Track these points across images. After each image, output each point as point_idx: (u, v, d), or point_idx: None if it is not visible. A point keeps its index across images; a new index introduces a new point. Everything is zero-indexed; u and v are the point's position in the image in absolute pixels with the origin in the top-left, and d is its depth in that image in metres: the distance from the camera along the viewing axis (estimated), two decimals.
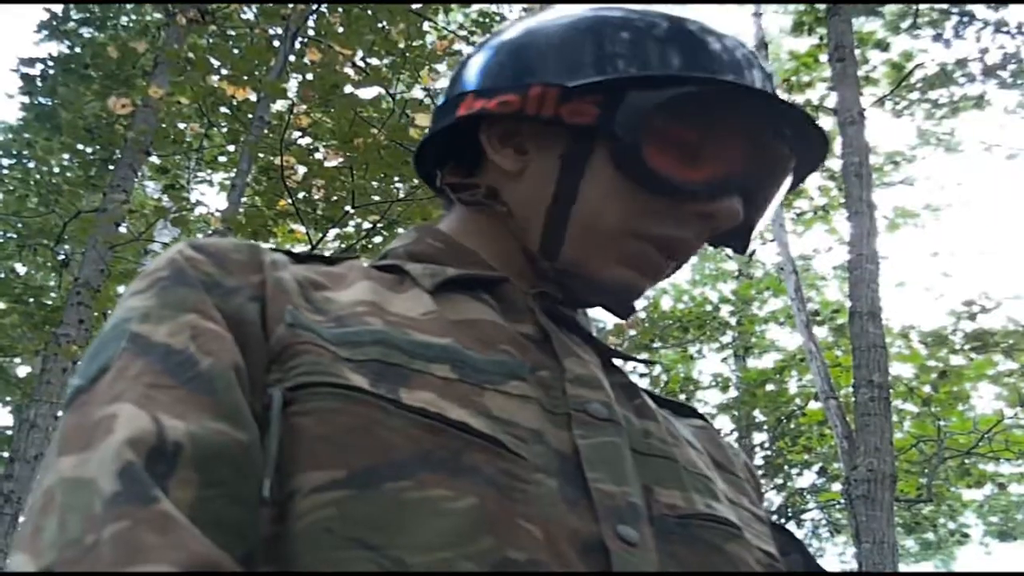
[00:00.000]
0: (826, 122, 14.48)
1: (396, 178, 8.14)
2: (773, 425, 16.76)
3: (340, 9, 8.99)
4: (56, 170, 13.02)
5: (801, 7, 14.24)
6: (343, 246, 8.96)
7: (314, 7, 8.96)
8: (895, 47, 14.70)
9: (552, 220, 1.14)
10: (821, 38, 13.44)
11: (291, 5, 8.58)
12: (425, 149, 1.30)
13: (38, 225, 12.45)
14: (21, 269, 13.40)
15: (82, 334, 8.92)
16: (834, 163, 14.49)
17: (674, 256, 1.15)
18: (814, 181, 16.01)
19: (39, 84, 12.14)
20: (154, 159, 11.28)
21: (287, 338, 0.93)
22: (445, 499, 0.83)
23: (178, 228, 10.05)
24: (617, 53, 1.13)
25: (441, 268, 1.12)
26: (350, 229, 9.26)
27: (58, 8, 12.60)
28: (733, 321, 18.10)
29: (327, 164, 8.21)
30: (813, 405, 15.49)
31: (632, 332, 14.36)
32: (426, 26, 9.07)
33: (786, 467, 16.81)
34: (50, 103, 12.40)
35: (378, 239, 8.76)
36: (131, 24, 13.28)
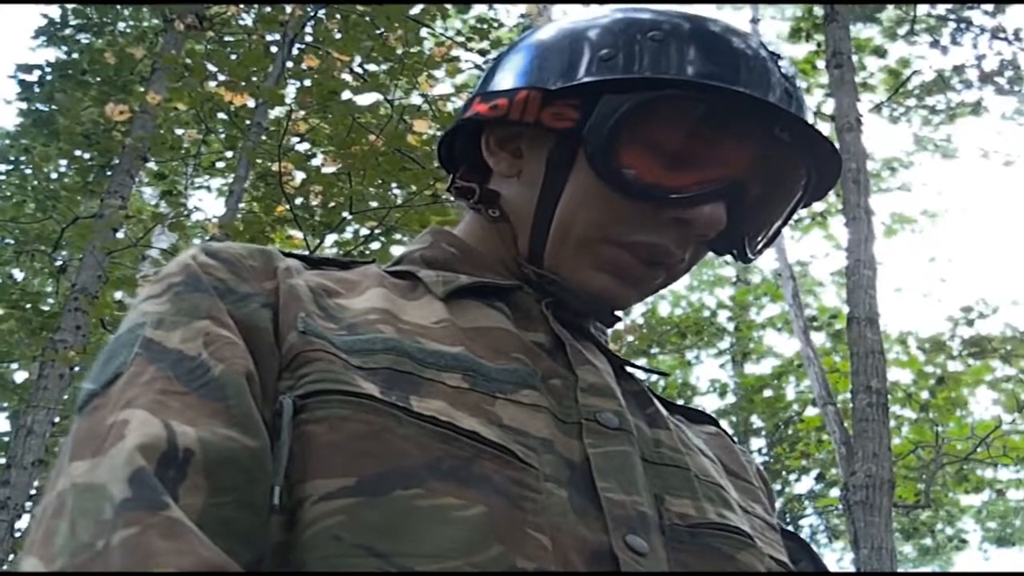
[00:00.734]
0: (823, 128, 14.47)
1: (394, 184, 8.14)
2: (771, 431, 16.78)
3: (338, 15, 9.00)
4: (54, 176, 13.01)
5: (799, 13, 14.25)
6: (341, 252, 8.95)
7: (312, 13, 8.96)
8: (892, 53, 14.73)
9: (537, 226, 1.14)
10: (818, 44, 13.46)
11: (288, 11, 8.57)
12: (450, 152, 1.29)
13: (36, 231, 12.43)
14: (18, 275, 13.38)
15: (79, 340, 8.91)
16: None
17: (654, 264, 1.12)
18: None
19: (36, 90, 12.12)
20: (152, 165, 11.28)
21: (299, 345, 0.93)
22: (454, 507, 0.83)
23: (175, 234, 10.05)
24: (604, 57, 1.11)
25: (454, 275, 1.12)
26: (348, 235, 9.26)
27: (56, 14, 12.61)
28: (731, 327, 18.13)
29: (325, 170, 8.21)
30: (811, 411, 15.52)
31: (630, 338, 14.35)
32: (424, 32, 9.08)
33: (784, 473, 16.82)
34: (47, 109, 12.39)
35: (376, 245, 8.76)
36: (129, 30, 13.27)
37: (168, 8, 10.24)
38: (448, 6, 9.83)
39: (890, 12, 14.19)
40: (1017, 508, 19.29)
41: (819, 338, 15.65)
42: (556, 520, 0.87)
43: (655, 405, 1.13)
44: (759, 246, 1.20)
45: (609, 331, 1.21)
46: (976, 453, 13.62)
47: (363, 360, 0.93)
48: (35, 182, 12.76)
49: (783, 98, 1.09)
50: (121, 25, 13.28)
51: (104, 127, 11.37)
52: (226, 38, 10.51)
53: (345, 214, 8.19)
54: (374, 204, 8.33)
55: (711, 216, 1.08)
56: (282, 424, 0.86)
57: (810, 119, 1.12)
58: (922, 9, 13.70)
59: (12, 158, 12.83)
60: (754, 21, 15.34)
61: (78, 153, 12.19)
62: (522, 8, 11.96)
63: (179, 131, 11.44)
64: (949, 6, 13.49)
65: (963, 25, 13.50)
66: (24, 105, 12.50)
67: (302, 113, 8.78)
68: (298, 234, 8.38)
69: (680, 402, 1.26)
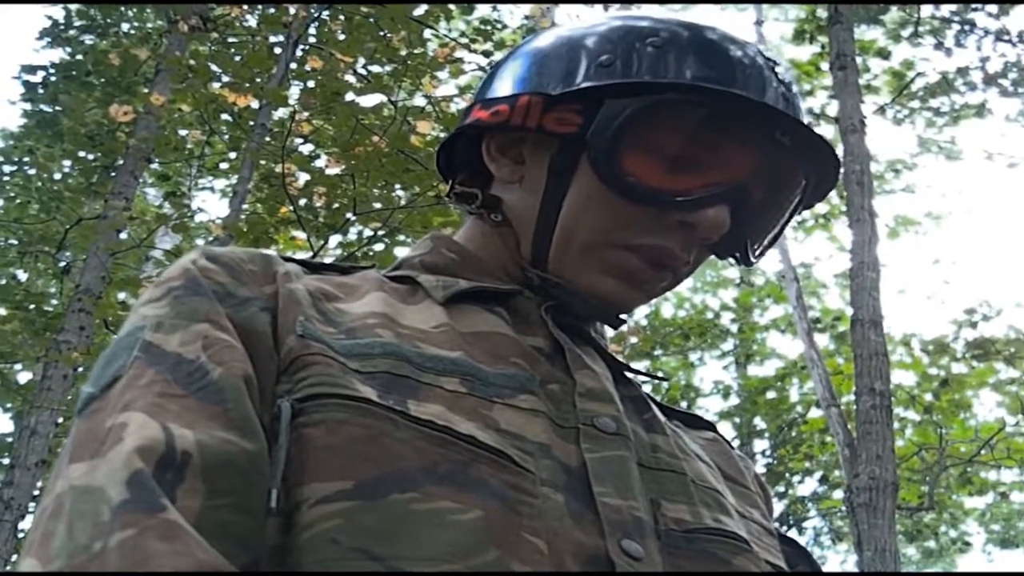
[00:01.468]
0: (827, 130, 14.49)
1: (397, 185, 8.15)
2: (774, 433, 16.78)
3: (342, 16, 9.01)
4: (57, 177, 13.01)
5: (803, 15, 14.25)
6: (344, 254, 8.96)
7: (316, 15, 8.96)
8: (896, 55, 14.73)
9: (540, 231, 1.15)
10: (822, 46, 13.46)
11: (292, 12, 8.58)
12: (450, 158, 1.30)
13: (39, 232, 12.43)
14: (22, 276, 13.38)
15: (83, 341, 8.91)
16: None
17: (661, 267, 1.12)
18: None
19: (41, 91, 12.12)
20: (156, 166, 11.28)
21: (297, 349, 0.94)
22: (451, 511, 0.84)
23: (179, 235, 10.05)
24: (604, 63, 1.12)
25: (454, 280, 1.13)
26: (351, 236, 9.26)
27: (60, 15, 12.61)
28: (734, 328, 18.13)
29: (329, 171, 8.22)
30: (814, 413, 15.51)
31: (633, 340, 14.36)
32: (427, 33, 9.08)
33: (787, 475, 16.81)
34: (52, 110, 12.39)
35: (379, 246, 8.76)
36: (133, 31, 13.28)
37: (172, 9, 10.24)
38: (452, 7, 9.82)
39: (894, 14, 14.19)
40: (1021, 510, 19.30)
41: (823, 340, 15.65)
42: (552, 524, 0.87)
43: (653, 410, 1.12)
44: (760, 250, 1.20)
45: (611, 333, 1.21)
46: (980, 455, 13.63)
47: (361, 364, 0.94)
48: (39, 183, 12.76)
49: (781, 102, 1.10)
50: (125, 26, 13.28)
51: (108, 128, 11.38)
52: (230, 39, 10.53)
53: (349, 215, 8.20)
54: (378, 205, 8.33)
55: (715, 219, 1.09)
56: (280, 427, 0.87)
57: (806, 122, 1.12)
58: (926, 11, 13.69)
59: (16, 159, 12.83)
60: (758, 23, 15.34)
61: (82, 154, 12.20)
62: (526, 9, 11.94)
63: (183, 132, 11.44)
64: (953, 8, 13.49)
65: (967, 27, 13.50)
66: (28, 106, 12.50)
67: (306, 114, 8.79)
68: (302, 235, 8.38)
69: (683, 405, 1.26)
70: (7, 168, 12.70)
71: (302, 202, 8.21)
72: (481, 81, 1.29)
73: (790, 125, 1.10)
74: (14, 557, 8.40)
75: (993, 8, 13.06)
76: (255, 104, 8.58)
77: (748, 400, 17.00)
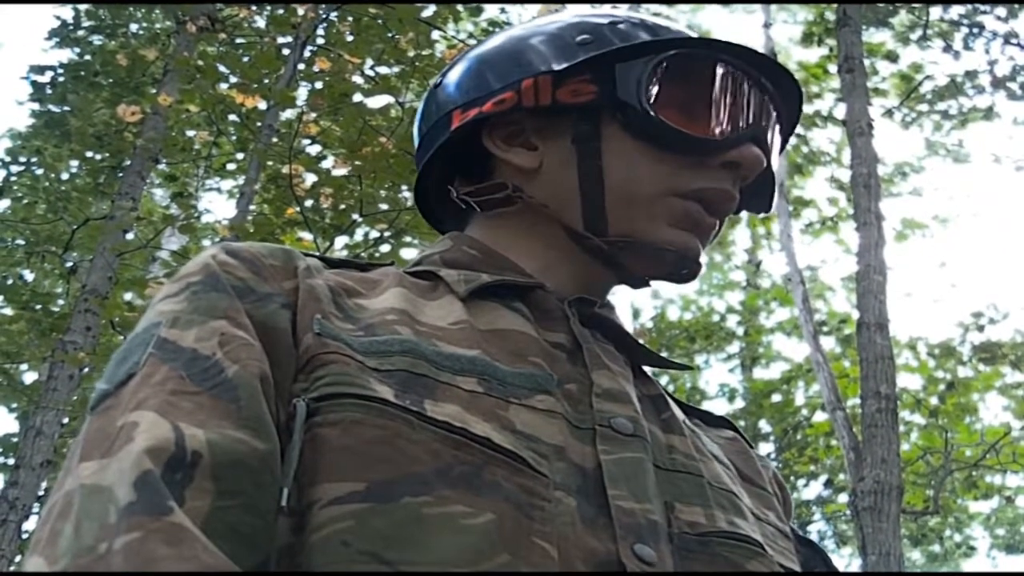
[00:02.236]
0: (835, 133, 14.48)
1: (404, 187, 8.15)
2: (779, 436, 16.75)
3: (350, 18, 9.01)
4: (65, 177, 13.03)
5: (810, 18, 14.24)
6: (350, 255, 8.95)
7: (324, 16, 8.97)
8: (904, 58, 14.72)
9: (588, 199, 1.15)
10: (830, 49, 13.47)
11: (301, 13, 8.59)
12: (423, 180, 1.31)
13: (46, 232, 12.44)
14: (29, 276, 13.39)
15: (89, 341, 8.92)
16: (843, 174, 14.49)
17: (716, 211, 1.16)
18: (823, 192, 16.00)
19: (49, 91, 12.12)
20: (163, 167, 11.29)
21: (314, 347, 0.93)
22: (463, 515, 0.83)
23: (186, 236, 10.06)
24: (582, 41, 1.17)
25: (476, 274, 1.12)
26: (358, 238, 9.27)
27: (69, 16, 12.63)
28: (740, 331, 18.11)
29: (335, 173, 8.22)
30: (820, 416, 15.49)
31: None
32: (435, 35, 9.08)
33: (792, 478, 16.78)
34: (60, 110, 12.40)
35: (385, 248, 8.76)
36: (141, 32, 13.29)
37: (181, 10, 10.25)
38: (460, 9, 9.82)
39: (902, 17, 14.18)
40: None
41: (829, 343, 15.65)
42: (564, 529, 0.87)
43: (671, 410, 1.12)
44: (775, 189, 1.25)
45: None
46: (985, 459, 13.62)
47: (379, 362, 0.94)
48: (46, 183, 12.77)
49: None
50: (134, 27, 13.30)
51: (116, 128, 11.38)
52: (238, 40, 10.54)
53: (355, 216, 8.20)
54: (384, 207, 8.34)
55: (754, 155, 1.15)
56: (295, 426, 0.87)
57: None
58: (935, 14, 13.69)
59: (24, 159, 12.84)
60: (766, 25, 15.33)
61: (89, 154, 12.21)
62: (534, 11, 11.94)
63: (190, 133, 11.46)
64: (962, 11, 13.48)
65: (976, 30, 13.49)
66: (36, 106, 12.51)
67: (313, 115, 8.79)
68: (308, 236, 8.38)
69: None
70: (15, 168, 12.71)
71: (309, 203, 8.22)
72: (423, 104, 1.30)
73: (770, 68, 1.19)
74: (18, 558, 8.41)
75: (1002, 11, 13.05)
76: (263, 105, 8.58)
77: (753, 403, 16.97)
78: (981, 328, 14.27)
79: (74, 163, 12.92)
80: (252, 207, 8.74)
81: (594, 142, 1.14)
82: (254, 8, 10.18)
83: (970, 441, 14.17)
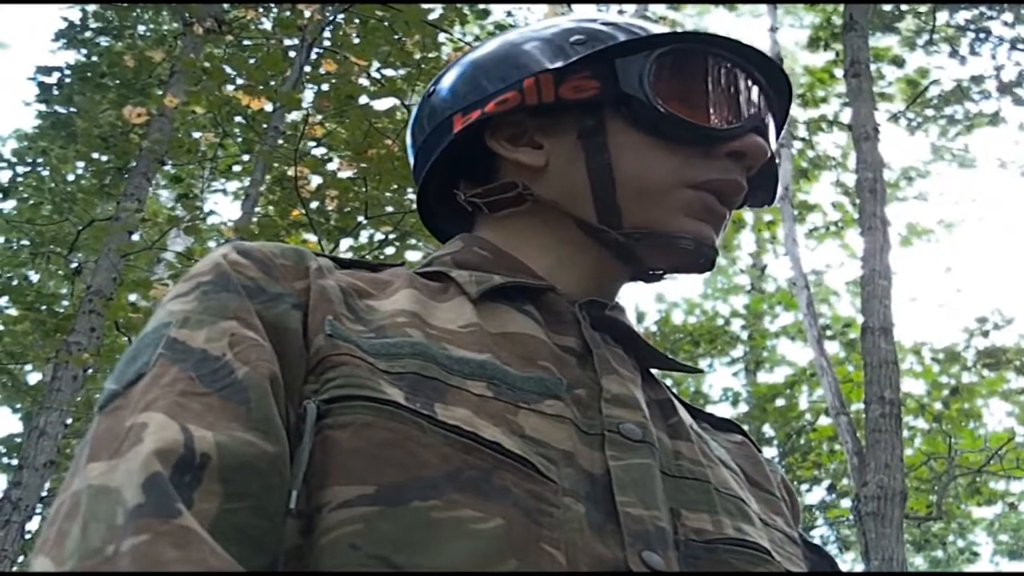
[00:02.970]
0: (840, 138, 14.47)
1: (409, 189, 8.15)
2: (783, 440, 16.74)
3: (357, 20, 9.02)
4: (70, 178, 13.04)
5: (817, 22, 14.24)
6: (355, 257, 8.95)
7: (331, 18, 8.98)
8: (910, 63, 14.73)
9: (599, 193, 1.16)
10: (837, 54, 13.47)
11: (307, 15, 8.59)
12: (425, 187, 1.31)
13: (52, 233, 12.45)
14: (34, 277, 13.41)
15: (93, 342, 8.92)
16: (848, 178, 14.49)
17: (727, 201, 1.16)
18: (828, 196, 16.00)
19: (55, 92, 12.15)
20: (168, 168, 11.30)
21: (325, 349, 0.93)
22: (472, 520, 0.83)
23: (191, 237, 10.07)
24: (577, 41, 1.18)
25: (487, 275, 1.12)
26: (362, 240, 9.27)
27: (76, 17, 12.64)
28: (744, 335, 18.10)
29: (341, 175, 8.22)
30: (823, 421, 15.47)
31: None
32: (442, 37, 9.09)
33: (795, 483, 16.77)
34: (66, 111, 12.42)
35: (390, 250, 8.77)
36: (148, 33, 13.31)
37: (188, 12, 10.26)
38: (466, 12, 9.83)
39: (909, 22, 14.18)
40: None
41: (833, 347, 15.65)
42: (572, 536, 0.87)
43: (678, 415, 1.12)
44: (777, 185, 1.27)
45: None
46: (989, 465, 13.60)
47: (390, 364, 0.93)
48: (52, 184, 12.78)
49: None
50: (140, 28, 13.32)
51: (122, 130, 11.39)
52: (245, 42, 10.55)
53: (360, 218, 8.20)
54: (389, 209, 8.34)
55: (758, 144, 1.16)
56: (305, 428, 0.86)
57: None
58: (941, 19, 13.68)
59: (30, 160, 12.85)
60: (773, 29, 15.32)
61: (95, 156, 12.23)
62: (540, 14, 11.95)
63: (196, 134, 11.46)
64: (968, 16, 13.48)
65: (982, 35, 13.49)
66: (43, 107, 12.53)
67: (319, 117, 8.79)
68: (313, 238, 8.38)
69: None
70: (21, 169, 12.72)
71: (314, 205, 8.22)
72: (423, 108, 1.31)
73: (761, 61, 1.21)
74: (21, 558, 8.41)
75: (1009, 16, 13.05)
76: (269, 107, 8.59)
77: (757, 407, 16.96)
78: (985, 333, 14.26)
79: (80, 164, 12.94)
80: (257, 209, 8.75)
81: (600, 137, 1.15)
82: (261, 10, 10.19)
83: (974, 446, 14.16)
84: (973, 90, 14.25)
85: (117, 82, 11.95)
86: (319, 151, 9.26)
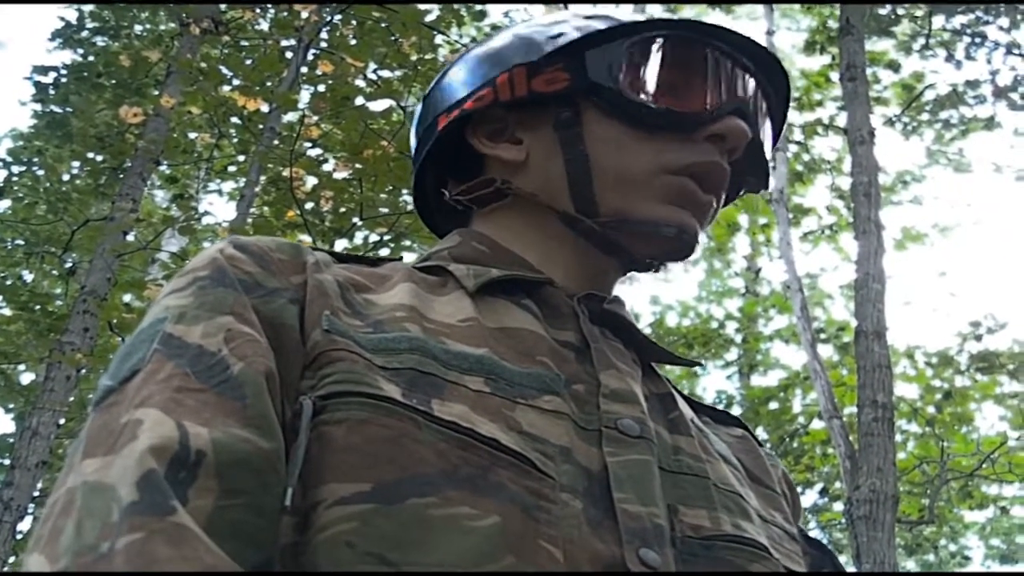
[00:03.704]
0: (836, 141, 14.47)
1: (404, 191, 8.15)
2: (776, 443, 16.72)
3: (354, 21, 9.02)
4: (66, 178, 13.03)
5: (813, 25, 14.26)
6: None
7: (328, 19, 8.98)
8: (906, 67, 14.72)
9: (575, 184, 1.16)
10: (833, 57, 13.48)
11: (304, 16, 8.59)
12: (421, 188, 1.33)
13: (46, 233, 12.45)
14: (28, 276, 13.40)
15: (87, 342, 8.91)
16: (843, 182, 14.49)
17: (710, 187, 1.16)
18: (823, 200, 15.98)
19: (52, 92, 12.14)
20: (164, 168, 11.30)
21: (322, 344, 0.93)
22: (469, 517, 0.83)
23: (185, 237, 10.06)
24: (568, 28, 1.19)
25: (485, 269, 1.13)
26: (357, 241, 9.27)
27: (73, 17, 12.64)
28: (738, 338, 18.10)
29: (336, 176, 8.22)
30: (816, 424, 15.47)
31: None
32: (439, 39, 9.09)
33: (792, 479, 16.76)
34: (62, 111, 12.41)
35: (385, 251, 8.76)
36: (145, 33, 13.31)
37: (184, 12, 10.26)
38: (463, 13, 9.83)
39: (905, 26, 14.19)
40: (1021, 525, 19.26)
41: (827, 351, 15.63)
42: (569, 532, 0.87)
43: (679, 409, 1.12)
44: (768, 165, 1.25)
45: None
46: (981, 469, 13.61)
47: (387, 360, 0.93)
48: (47, 184, 12.78)
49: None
50: (137, 28, 13.32)
51: (117, 130, 11.38)
52: (241, 43, 10.55)
53: (355, 220, 8.20)
54: (384, 210, 8.34)
55: (738, 126, 1.15)
56: (301, 425, 0.86)
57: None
58: (937, 23, 13.70)
59: (25, 159, 12.84)
60: (769, 33, 15.33)
61: (91, 155, 12.22)
62: (540, 12, 11.96)
63: (192, 135, 11.46)
64: (964, 20, 13.49)
65: (978, 40, 13.50)
66: (39, 107, 12.52)
67: (315, 118, 8.80)
68: (308, 239, 8.38)
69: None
70: (16, 168, 12.71)
71: (309, 206, 8.22)
72: (423, 106, 1.32)
73: (748, 46, 1.20)
74: (12, 559, 8.39)
75: (1004, 21, 13.06)
76: (265, 108, 8.60)
77: (751, 410, 16.94)
78: (979, 338, 14.27)
79: (75, 164, 12.94)
80: (252, 209, 8.74)
81: (575, 128, 1.16)
82: (258, 11, 10.19)
83: (966, 451, 14.17)
84: (968, 94, 14.25)
85: (113, 82, 11.95)
86: (314, 152, 9.26)
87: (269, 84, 8.48)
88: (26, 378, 13.51)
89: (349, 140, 8.00)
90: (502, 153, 1.20)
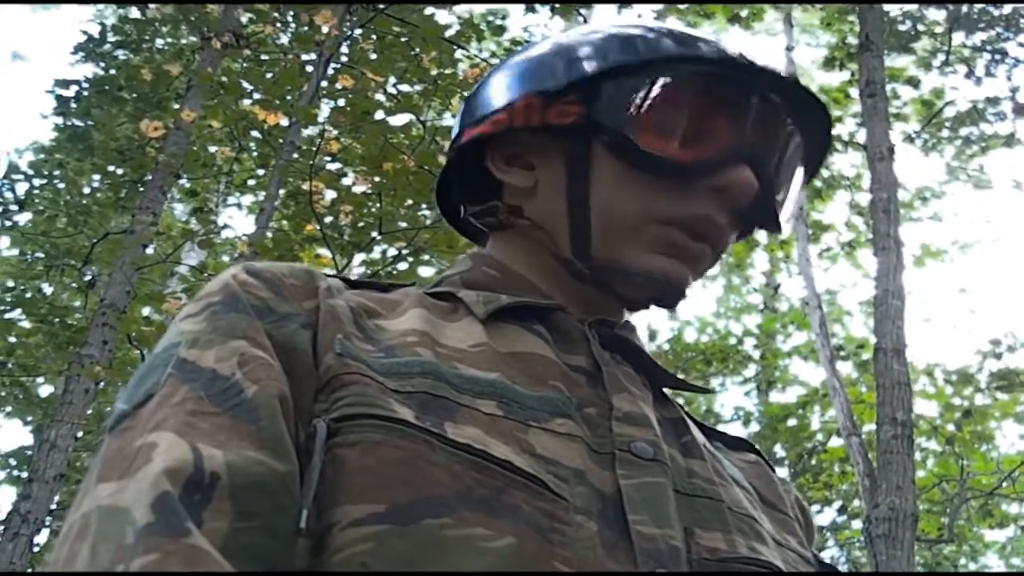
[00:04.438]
0: (855, 157, 14.45)
1: (424, 205, 8.17)
2: (794, 461, 16.67)
3: (374, 36, 9.04)
4: (86, 191, 13.07)
5: (833, 41, 14.25)
6: (368, 272, 8.97)
7: (348, 33, 9.00)
8: (926, 84, 14.71)
9: (575, 222, 1.15)
10: (852, 73, 13.46)
11: (325, 31, 8.62)
12: (447, 192, 1.32)
13: (66, 245, 12.48)
14: (48, 289, 13.44)
15: (106, 355, 8.91)
16: (863, 198, 14.47)
17: (704, 238, 1.13)
18: (842, 216, 15.96)
19: (73, 105, 12.19)
20: (184, 182, 11.33)
21: (335, 368, 0.93)
22: (483, 538, 0.83)
23: (205, 251, 10.08)
24: (591, 55, 1.16)
25: (495, 296, 1.12)
26: (376, 255, 9.29)
27: (95, 30, 12.69)
28: (757, 355, 18.06)
29: (356, 190, 8.23)
30: (835, 441, 15.42)
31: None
32: (458, 54, 9.11)
33: (806, 504, 16.70)
34: (83, 124, 12.45)
35: (403, 265, 8.77)
36: (166, 47, 13.36)
37: (206, 26, 10.30)
38: (483, 28, 9.85)
39: (925, 42, 14.18)
40: None
41: (846, 368, 15.61)
42: (584, 554, 0.87)
43: (691, 433, 1.12)
44: (785, 213, 1.21)
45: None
46: (1001, 488, 13.54)
47: (400, 383, 0.93)
48: (68, 197, 12.82)
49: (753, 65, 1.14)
50: (159, 42, 13.36)
51: (138, 143, 11.42)
52: (262, 57, 10.58)
53: (374, 234, 8.21)
54: (403, 224, 8.35)
55: (742, 178, 1.11)
56: (315, 447, 0.86)
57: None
58: (957, 39, 13.68)
59: (46, 173, 12.88)
60: (789, 48, 15.34)
61: (111, 169, 12.26)
62: (561, 25, 11.98)
63: (212, 148, 11.49)
64: (985, 36, 13.47)
65: (998, 56, 13.47)
66: (60, 120, 12.57)
67: (335, 133, 8.81)
68: (326, 253, 8.39)
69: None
70: (37, 181, 12.75)
71: (328, 220, 8.22)
72: (459, 114, 1.31)
73: (777, 82, 1.14)
74: (30, 571, 8.40)
75: None
76: (285, 122, 8.61)
77: (769, 427, 16.89)
78: (999, 356, 14.21)
79: (96, 177, 12.96)
80: (272, 223, 8.76)
81: (584, 164, 1.14)
82: (279, 25, 10.22)
83: (986, 469, 14.11)
84: (988, 111, 14.24)
85: (134, 96, 11.98)
86: (334, 166, 9.28)
87: (289, 98, 8.50)
88: (45, 391, 13.54)
89: (369, 154, 8.01)
90: (512, 179, 1.20)
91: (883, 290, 8.71)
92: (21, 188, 12.56)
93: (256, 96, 8.73)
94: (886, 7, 12.03)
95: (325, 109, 9.07)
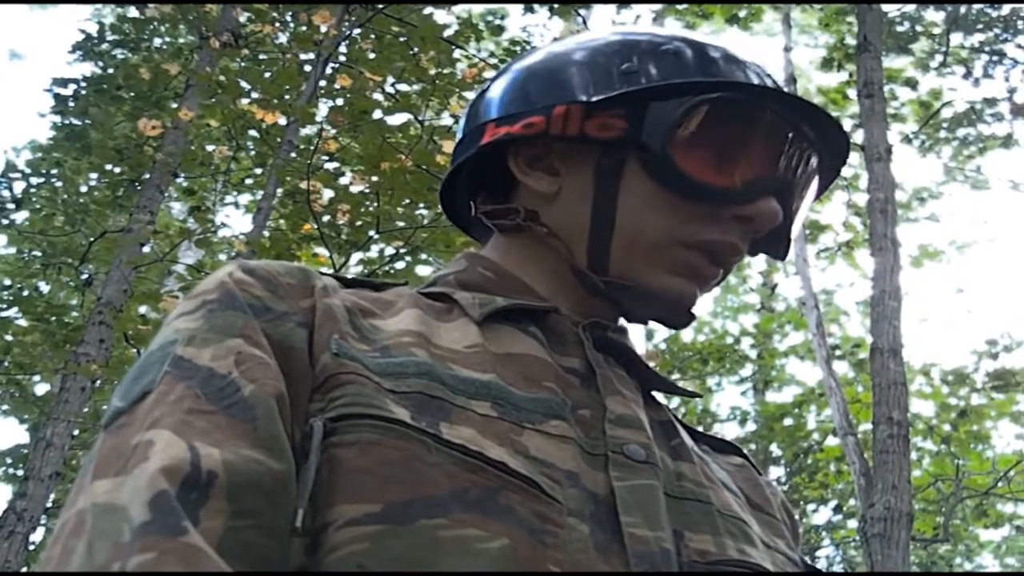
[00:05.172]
0: (853, 158, 14.45)
1: (421, 204, 8.16)
2: (790, 460, 16.67)
3: (372, 36, 9.03)
4: (84, 190, 13.05)
5: (831, 42, 14.25)
6: (366, 271, 8.97)
7: (347, 33, 9.00)
8: (924, 85, 14.71)
9: (595, 235, 1.15)
10: (850, 74, 13.46)
11: (323, 30, 8.61)
12: (451, 185, 1.31)
13: (63, 244, 12.46)
14: (44, 287, 13.43)
15: (102, 354, 8.91)
16: (860, 198, 14.47)
17: (720, 262, 1.15)
18: (839, 216, 15.97)
19: (71, 104, 12.18)
20: (181, 181, 11.32)
21: (332, 367, 0.93)
22: (478, 539, 0.83)
23: (202, 250, 10.07)
24: (638, 69, 1.15)
25: (490, 298, 1.12)
26: (373, 254, 9.28)
27: (93, 29, 12.68)
28: (753, 354, 18.05)
29: (353, 189, 8.22)
30: (831, 441, 15.40)
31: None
32: (457, 54, 9.10)
33: (802, 503, 16.71)
34: (81, 123, 12.44)
35: (400, 264, 8.77)
36: (164, 46, 13.34)
37: (204, 25, 10.29)
38: (482, 28, 9.85)
39: (923, 43, 14.17)
40: None
41: (842, 367, 15.59)
42: (577, 556, 0.87)
43: (680, 436, 1.12)
44: (791, 240, 1.22)
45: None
46: (997, 488, 13.54)
47: (395, 383, 0.93)
48: (65, 195, 12.80)
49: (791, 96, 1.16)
50: (157, 41, 13.35)
51: (136, 142, 11.39)
52: (260, 56, 10.57)
53: (372, 233, 8.20)
54: (401, 224, 8.34)
55: (769, 211, 1.12)
56: (311, 447, 0.86)
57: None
58: (955, 40, 13.68)
59: (44, 171, 12.87)
60: (787, 49, 15.33)
61: (109, 167, 12.23)
62: (556, 31, 11.97)
63: (210, 147, 11.46)
64: (983, 37, 13.47)
65: (996, 57, 13.48)
66: (58, 119, 12.56)
67: (333, 132, 8.80)
68: (324, 252, 8.38)
69: (699, 429, 1.27)
70: (34, 180, 12.74)
71: (325, 219, 8.21)
72: (472, 102, 1.30)
73: (812, 115, 1.16)
74: (25, 569, 8.39)
75: (1023, 39, 13.04)
76: (283, 121, 8.60)
77: (765, 427, 16.87)
78: (995, 355, 14.22)
79: (93, 176, 12.94)
80: (269, 222, 8.75)
81: (614, 179, 1.14)
82: (277, 25, 10.22)
83: (982, 468, 14.10)
84: (986, 112, 14.24)
85: (132, 94, 11.95)
86: (332, 165, 9.27)
87: (287, 97, 8.48)
88: (41, 389, 13.53)
89: (367, 154, 8.00)
90: (534, 183, 1.19)
91: (880, 290, 8.70)
92: (18, 187, 12.57)
93: (254, 95, 8.72)
94: (884, 8, 12.02)
95: (323, 108, 9.07)
